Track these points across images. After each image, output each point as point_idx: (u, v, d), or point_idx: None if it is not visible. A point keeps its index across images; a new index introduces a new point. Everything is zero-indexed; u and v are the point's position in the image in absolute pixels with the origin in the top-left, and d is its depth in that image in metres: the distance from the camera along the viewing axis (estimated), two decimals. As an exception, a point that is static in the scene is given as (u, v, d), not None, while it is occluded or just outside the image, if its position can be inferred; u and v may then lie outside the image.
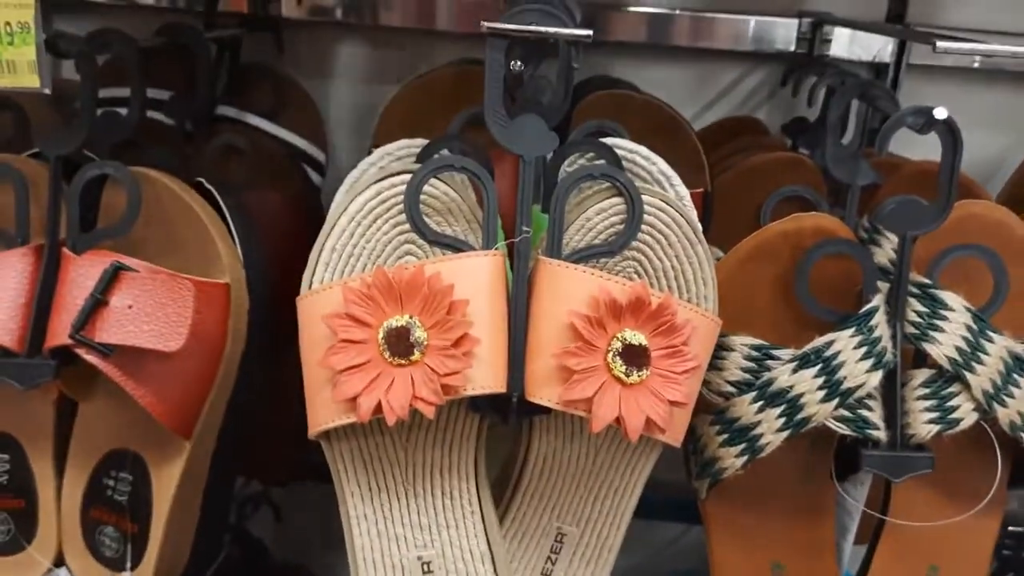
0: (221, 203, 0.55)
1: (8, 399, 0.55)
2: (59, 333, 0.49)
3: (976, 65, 0.79)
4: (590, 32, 0.44)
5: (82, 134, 0.52)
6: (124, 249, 0.51)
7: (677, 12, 0.79)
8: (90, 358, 0.49)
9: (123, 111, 0.56)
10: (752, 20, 0.79)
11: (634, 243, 0.46)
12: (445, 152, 0.50)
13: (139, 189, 0.51)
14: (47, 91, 0.46)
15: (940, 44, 0.43)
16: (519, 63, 0.47)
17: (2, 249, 0.51)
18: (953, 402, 0.51)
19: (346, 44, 0.84)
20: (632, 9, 0.80)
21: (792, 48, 0.78)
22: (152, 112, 0.67)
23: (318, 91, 0.81)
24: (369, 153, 0.55)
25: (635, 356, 0.44)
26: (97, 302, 0.49)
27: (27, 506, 0.57)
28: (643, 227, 0.46)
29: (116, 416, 0.55)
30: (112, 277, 0.49)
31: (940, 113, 0.46)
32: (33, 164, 0.53)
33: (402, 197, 0.45)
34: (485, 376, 0.43)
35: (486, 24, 0.44)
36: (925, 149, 0.57)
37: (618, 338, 0.44)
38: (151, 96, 0.67)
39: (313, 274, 0.46)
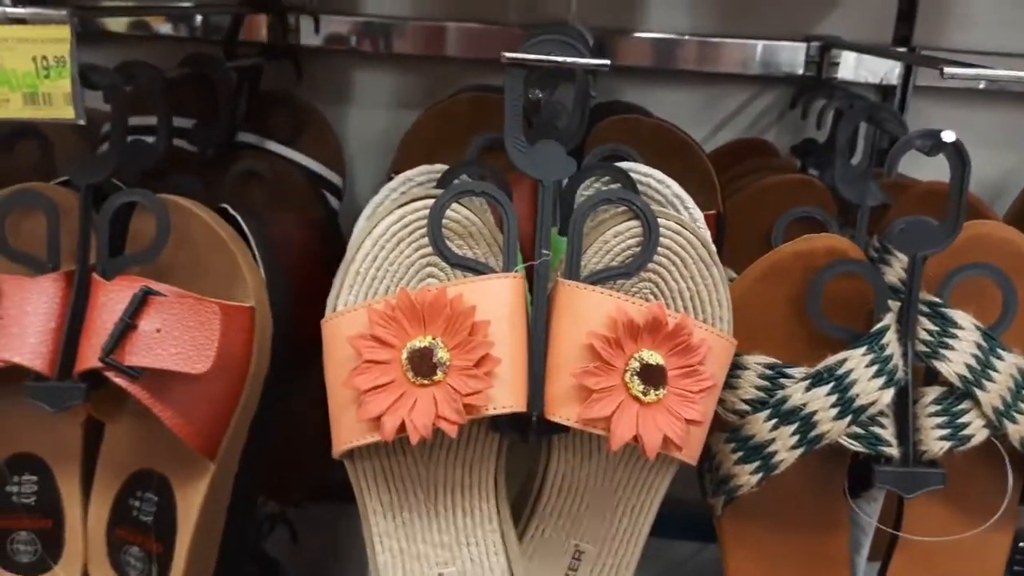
0: (245, 228, 0.57)
1: (37, 421, 0.56)
2: (89, 357, 0.51)
3: (983, 86, 0.80)
4: (608, 61, 0.45)
5: (112, 164, 0.53)
6: (152, 274, 0.52)
7: (686, 37, 0.81)
8: (119, 381, 0.50)
9: (150, 139, 0.57)
10: (760, 44, 0.80)
11: (650, 265, 0.47)
12: (465, 177, 0.51)
13: (167, 216, 0.52)
14: (82, 122, 0.48)
15: (948, 70, 0.45)
16: (537, 91, 0.49)
17: (34, 275, 0.53)
18: (964, 419, 0.51)
19: (363, 71, 0.85)
20: (643, 35, 0.81)
21: (800, 71, 0.79)
22: (175, 139, 0.69)
23: (336, 117, 0.83)
24: (389, 179, 0.57)
25: (652, 375, 0.45)
26: (126, 326, 0.50)
27: (54, 526, 0.58)
28: (659, 249, 0.47)
29: (142, 437, 0.56)
30: (141, 301, 0.51)
31: (948, 136, 0.48)
32: (64, 192, 0.55)
33: (424, 221, 0.47)
34: (506, 395, 0.45)
35: (506, 55, 0.45)
36: (933, 169, 0.59)
37: (636, 358, 0.45)
38: (174, 124, 0.69)
39: (338, 297, 0.48)
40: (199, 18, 0.83)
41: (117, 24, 0.83)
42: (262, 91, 0.79)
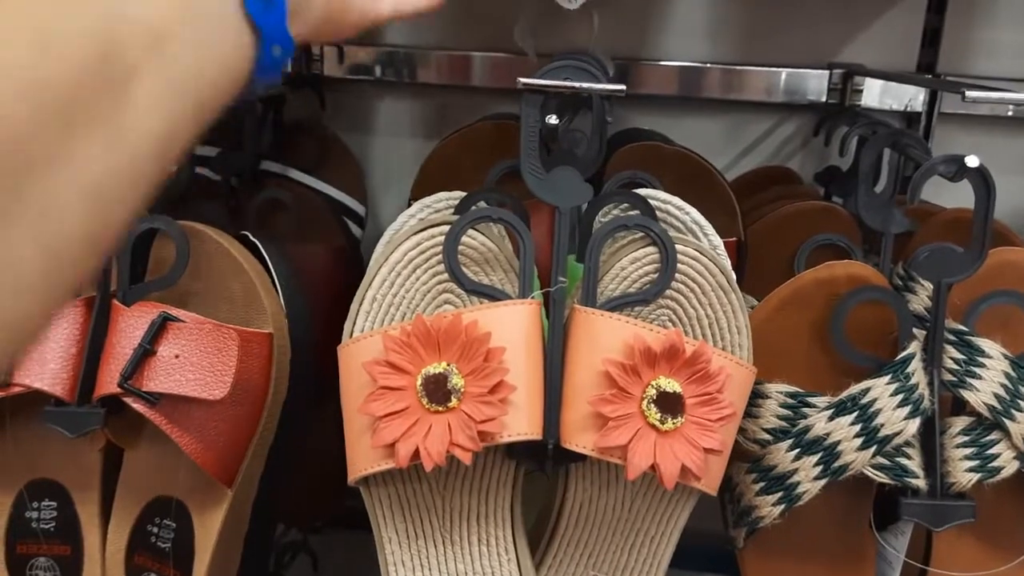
0: (265, 254, 0.57)
1: (57, 447, 0.56)
2: (108, 382, 0.51)
3: (1010, 113, 0.79)
4: (623, 87, 0.45)
5: (134, 190, 0.54)
6: (172, 300, 0.53)
7: (708, 65, 0.81)
8: (137, 406, 0.51)
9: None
10: (783, 72, 0.80)
11: (668, 292, 0.47)
12: (482, 204, 0.51)
13: (187, 243, 0.52)
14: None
15: (969, 94, 0.44)
16: (554, 117, 0.49)
17: (56, 301, 0.53)
18: (993, 450, 0.50)
19: (385, 100, 0.86)
20: (665, 63, 0.81)
21: (824, 99, 0.79)
22: (201, 168, 0.70)
23: (359, 146, 0.83)
24: (408, 205, 0.57)
25: (670, 404, 0.44)
26: (145, 352, 0.51)
27: (73, 552, 0.58)
28: (677, 276, 0.47)
29: (161, 464, 0.56)
30: (160, 327, 0.51)
31: (972, 161, 0.47)
32: (86, 219, 0.55)
33: (441, 248, 0.46)
34: (521, 423, 0.44)
35: (522, 80, 0.45)
36: (959, 196, 0.58)
37: (653, 385, 0.44)
38: (199, 153, 0.69)
39: (354, 323, 0.48)
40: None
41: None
42: (286, 120, 0.79)
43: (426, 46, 0.83)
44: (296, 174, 0.75)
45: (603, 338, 0.45)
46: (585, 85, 0.45)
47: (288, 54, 0.33)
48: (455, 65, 0.82)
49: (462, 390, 0.44)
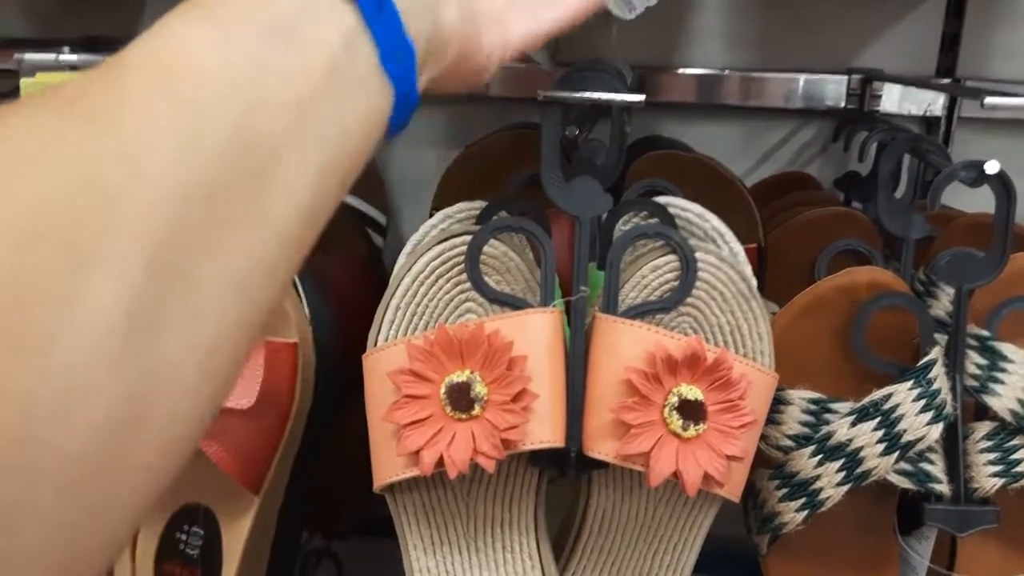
0: (289, 265, 0.58)
1: (88, 456, 0.57)
2: (138, 392, 0.52)
3: (1031, 116, 0.79)
4: (642, 97, 0.45)
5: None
6: (199, 311, 0.54)
7: (727, 72, 0.81)
8: (166, 415, 0.51)
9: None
10: (802, 78, 0.80)
11: (689, 299, 0.47)
12: (504, 214, 0.52)
13: (213, 254, 0.53)
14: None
15: (988, 100, 0.44)
16: (574, 128, 0.49)
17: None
18: (1017, 455, 0.50)
19: (406, 111, 0.87)
20: (684, 71, 0.82)
21: (843, 104, 0.79)
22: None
23: (380, 156, 0.84)
24: (430, 215, 0.57)
25: (691, 411, 0.45)
26: (174, 362, 0.51)
27: (103, 560, 0.59)
28: (698, 283, 0.47)
29: (189, 471, 0.56)
30: (188, 338, 0.52)
31: (991, 167, 0.47)
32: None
33: (463, 257, 0.47)
34: (544, 430, 0.45)
35: (542, 93, 0.46)
36: (980, 200, 0.58)
37: (674, 393, 0.45)
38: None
39: (378, 332, 0.48)
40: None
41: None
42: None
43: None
44: (319, 185, 0.76)
45: (624, 346, 0.45)
46: (605, 96, 0.45)
47: (414, 108, 0.32)
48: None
49: (485, 398, 0.44)
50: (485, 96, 0.83)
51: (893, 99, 0.78)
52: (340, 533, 0.83)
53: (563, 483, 0.51)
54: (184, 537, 0.58)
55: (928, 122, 0.79)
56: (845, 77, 0.78)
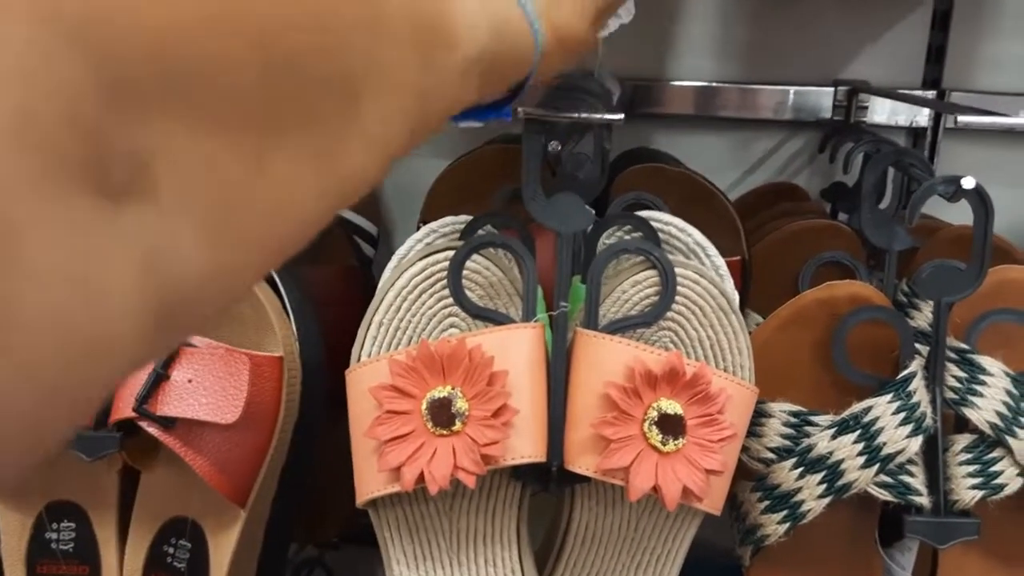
0: (276, 278, 0.58)
1: (75, 470, 0.57)
2: (123, 406, 0.52)
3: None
4: (621, 116, 0.46)
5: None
6: (185, 325, 0.54)
7: (716, 84, 0.82)
8: (152, 430, 0.52)
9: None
10: (790, 90, 0.80)
11: (669, 314, 0.48)
12: (489, 228, 0.52)
13: (199, 269, 0.54)
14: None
15: (961, 119, 0.45)
16: (556, 144, 0.50)
17: (73, 327, 0.55)
18: (996, 467, 0.50)
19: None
20: (674, 83, 0.82)
21: (829, 115, 0.79)
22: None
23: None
24: (418, 228, 0.58)
25: (671, 425, 0.45)
26: (159, 376, 0.52)
27: (91, 572, 0.60)
28: (678, 298, 0.48)
29: (176, 485, 0.57)
30: (174, 352, 0.52)
31: (968, 182, 0.47)
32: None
33: (446, 273, 0.47)
34: (525, 446, 0.45)
35: (523, 110, 0.46)
36: (966, 211, 0.58)
37: (654, 407, 0.45)
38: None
39: (361, 348, 0.49)
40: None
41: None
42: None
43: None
44: (308, 197, 0.76)
45: (604, 361, 0.46)
46: (584, 115, 0.46)
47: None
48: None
49: (466, 414, 0.45)
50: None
51: (879, 110, 0.79)
52: (332, 543, 0.83)
53: (546, 495, 0.51)
54: (171, 550, 0.58)
55: (915, 132, 0.80)
56: (832, 89, 0.79)
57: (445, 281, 0.48)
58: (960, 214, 0.66)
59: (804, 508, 0.51)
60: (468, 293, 0.48)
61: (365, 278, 0.76)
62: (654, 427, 0.45)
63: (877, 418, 0.50)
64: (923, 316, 0.57)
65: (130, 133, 0.19)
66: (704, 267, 0.52)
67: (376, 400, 0.46)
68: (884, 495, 0.50)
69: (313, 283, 0.63)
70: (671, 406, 0.45)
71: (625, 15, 0.50)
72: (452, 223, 0.55)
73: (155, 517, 0.58)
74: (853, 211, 0.71)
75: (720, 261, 0.53)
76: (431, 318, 0.49)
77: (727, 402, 0.46)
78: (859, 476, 0.50)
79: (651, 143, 0.83)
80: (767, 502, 0.52)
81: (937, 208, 0.62)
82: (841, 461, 0.50)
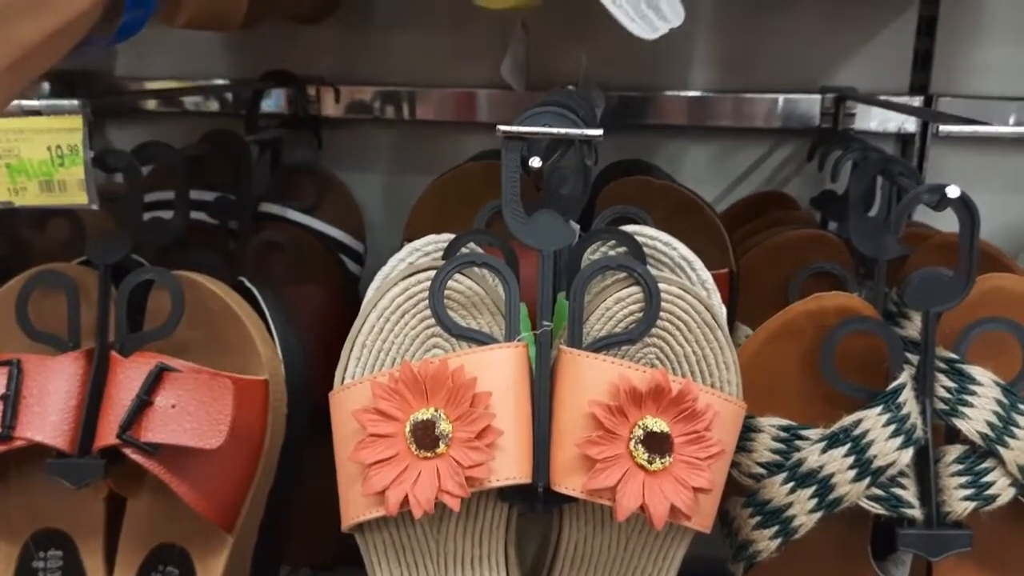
0: (261, 301, 0.58)
1: (61, 497, 0.57)
2: (107, 434, 0.52)
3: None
4: (600, 132, 0.45)
5: (129, 243, 0.55)
6: (169, 349, 0.54)
7: (703, 94, 0.81)
8: (136, 457, 0.51)
9: (168, 215, 0.59)
10: (779, 98, 0.80)
11: (654, 330, 0.47)
12: (472, 246, 0.51)
13: (182, 293, 0.53)
14: (95, 207, 0.49)
15: (943, 128, 0.44)
16: (537, 160, 0.49)
17: (55, 354, 0.54)
18: (988, 478, 0.50)
19: (383, 139, 0.87)
20: (665, 93, 0.82)
21: (817, 123, 0.79)
22: (198, 212, 0.71)
23: (357, 184, 0.84)
24: (401, 246, 0.57)
25: (657, 443, 0.44)
26: (143, 403, 0.51)
27: (80, 600, 0.59)
28: (662, 314, 0.47)
29: (163, 512, 0.57)
30: (156, 378, 0.52)
31: (952, 191, 0.47)
32: (83, 271, 0.56)
33: (428, 293, 0.47)
34: (509, 467, 0.44)
35: (501, 128, 0.46)
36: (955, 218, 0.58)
37: (640, 426, 0.45)
38: (197, 198, 0.71)
39: (345, 370, 0.48)
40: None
41: (147, 102, 0.87)
42: (284, 161, 0.81)
43: (422, 84, 0.84)
44: (294, 215, 0.76)
45: (589, 379, 0.45)
46: (563, 131, 0.45)
47: None
48: (453, 102, 0.83)
49: (450, 436, 0.44)
50: (465, 122, 0.83)
51: (868, 117, 0.78)
52: (326, 562, 0.82)
53: (535, 515, 0.51)
54: (159, 576, 0.58)
55: (903, 139, 0.79)
56: (819, 96, 0.79)
57: (427, 302, 0.47)
58: (952, 220, 0.65)
59: (796, 523, 0.50)
60: (451, 313, 0.47)
61: (350, 297, 0.76)
62: (640, 445, 0.44)
63: (867, 431, 0.49)
64: (914, 325, 0.57)
65: None
66: (690, 282, 0.51)
67: (360, 423, 0.45)
68: (876, 508, 0.50)
69: (298, 304, 0.62)
70: (657, 424, 0.45)
71: (675, 19, 0.49)
72: (434, 242, 0.55)
73: (142, 544, 0.58)
74: (842, 219, 0.71)
75: (706, 275, 0.53)
76: (414, 339, 0.48)
77: (714, 418, 0.46)
78: (850, 490, 0.49)
79: (640, 153, 0.83)
80: (758, 517, 0.51)
81: (928, 214, 0.62)
82: (832, 475, 0.50)
